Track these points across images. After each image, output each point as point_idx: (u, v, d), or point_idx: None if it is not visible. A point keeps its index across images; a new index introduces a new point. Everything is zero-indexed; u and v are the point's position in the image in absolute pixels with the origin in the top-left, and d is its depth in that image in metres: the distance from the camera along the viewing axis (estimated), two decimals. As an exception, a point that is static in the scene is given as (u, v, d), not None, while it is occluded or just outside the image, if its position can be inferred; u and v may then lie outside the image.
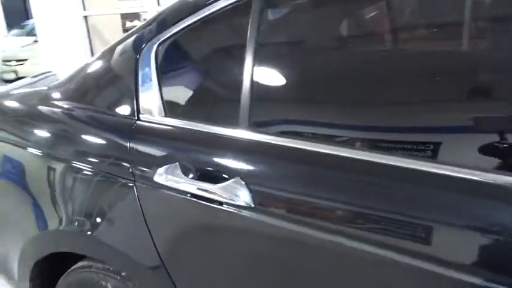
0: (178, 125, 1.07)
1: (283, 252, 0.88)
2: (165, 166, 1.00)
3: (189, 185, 0.97)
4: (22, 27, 10.99)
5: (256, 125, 0.95)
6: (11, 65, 8.59)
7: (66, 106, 1.29)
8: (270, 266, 0.92)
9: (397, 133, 0.82)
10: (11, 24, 12.36)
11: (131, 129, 1.12)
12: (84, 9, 5.13)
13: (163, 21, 1.16)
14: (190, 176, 0.98)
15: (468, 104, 0.77)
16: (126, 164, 1.09)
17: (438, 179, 0.71)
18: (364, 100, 0.86)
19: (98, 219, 1.17)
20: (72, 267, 1.30)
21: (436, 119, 0.78)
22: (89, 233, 1.18)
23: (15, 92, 1.54)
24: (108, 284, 1.19)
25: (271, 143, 0.91)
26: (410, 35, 0.87)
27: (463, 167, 0.70)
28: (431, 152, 0.75)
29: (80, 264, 1.28)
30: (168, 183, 0.99)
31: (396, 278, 0.76)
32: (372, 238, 0.75)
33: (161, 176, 1.00)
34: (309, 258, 0.85)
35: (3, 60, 9.39)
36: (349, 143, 0.85)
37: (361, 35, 0.93)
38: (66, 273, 1.31)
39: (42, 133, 1.31)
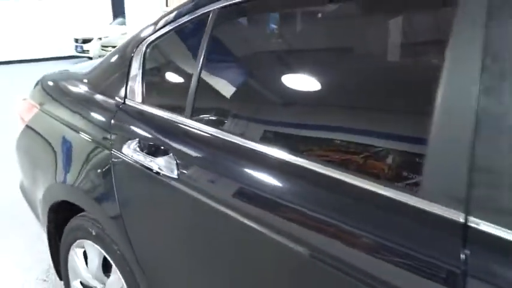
0: (146, 110, 1.36)
1: (196, 216, 1.12)
2: (130, 141, 1.29)
3: (141, 157, 1.24)
4: (124, 16, 12.12)
5: (195, 115, 1.20)
6: (107, 51, 9.61)
7: (85, 89, 1.65)
8: (187, 225, 1.16)
9: (282, 128, 1.02)
10: (117, 13, 13.55)
11: (117, 109, 1.43)
12: (167, 5, 5.66)
13: (154, 26, 1.45)
14: (145, 150, 1.25)
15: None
16: (107, 136, 1.39)
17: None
18: (267, 105, 1.07)
19: (84, 176, 1.50)
20: (74, 217, 1.65)
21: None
22: (78, 185, 1.52)
23: (74, 71, 1.93)
24: (93, 231, 1.52)
25: (200, 130, 1.16)
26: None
27: None
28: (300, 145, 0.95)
29: (79, 214, 1.63)
30: (129, 154, 1.28)
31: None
32: (262, 216, 0.93)
33: (127, 148, 1.30)
34: (213, 224, 1.07)
35: (102, 46, 10.51)
36: (246, 133, 1.06)
37: (276, 51, 1.14)
38: (70, 221, 1.67)
39: (65, 109, 1.67)
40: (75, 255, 1.68)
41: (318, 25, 1.03)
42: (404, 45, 0.85)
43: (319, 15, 1.03)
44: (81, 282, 1.72)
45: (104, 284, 1.60)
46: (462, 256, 0.64)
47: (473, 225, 0.64)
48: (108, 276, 1.57)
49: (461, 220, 0.65)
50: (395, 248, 0.71)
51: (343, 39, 0.97)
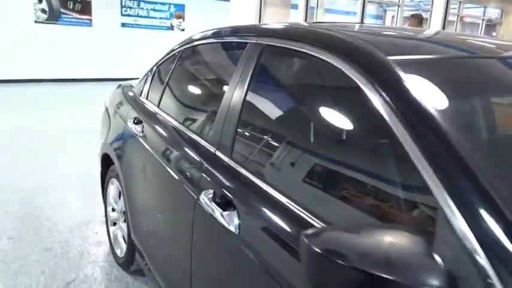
0: (144, 102, 2.21)
1: (149, 165, 1.88)
2: (132, 119, 2.05)
3: (133, 126, 2.00)
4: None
5: (162, 107, 1.96)
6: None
7: (131, 93, 2.53)
8: (148, 172, 1.90)
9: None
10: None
11: (135, 101, 2.27)
12: (260, 21, 6.04)
13: (165, 53, 2.25)
14: (136, 123, 2.01)
15: None
16: (126, 117, 2.18)
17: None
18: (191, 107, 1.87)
19: (115, 142, 2.36)
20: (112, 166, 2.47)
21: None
22: (111, 146, 2.41)
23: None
24: (115, 181, 2.40)
25: (157, 113, 1.96)
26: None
27: None
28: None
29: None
30: (131, 126, 2.03)
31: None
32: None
33: (131, 123, 2.03)
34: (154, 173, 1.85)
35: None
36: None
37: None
38: (110, 167, 2.52)
39: (121, 103, 2.53)
40: (110, 186, 2.55)
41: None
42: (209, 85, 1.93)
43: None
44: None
45: (117, 203, 2.53)
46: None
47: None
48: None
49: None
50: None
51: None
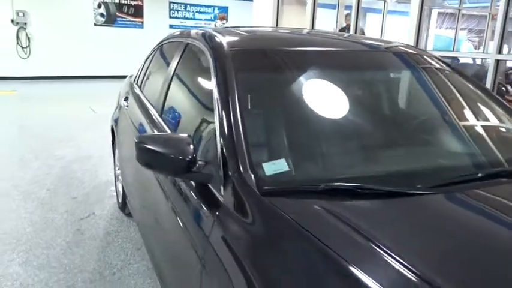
0: (133, 85, 2.86)
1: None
2: (124, 97, 2.74)
3: (123, 103, 2.64)
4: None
5: (142, 87, 2.39)
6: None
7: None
8: (126, 133, 2.57)
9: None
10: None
11: (130, 84, 2.99)
12: (277, 25, 6.82)
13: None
14: (125, 100, 2.72)
15: None
16: (122, 96, 2.83)
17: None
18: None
19: (114, 114, 3.19)
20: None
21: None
22: (114, 119, 3.15)
23: None
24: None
25: (138, 93, 2.41)
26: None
27: None
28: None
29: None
30: (122, 102, 2.71)
31: None
32: None
33: (122, 100, 2.76)
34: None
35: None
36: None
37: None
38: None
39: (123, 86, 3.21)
40: (115, 150, 3.33)
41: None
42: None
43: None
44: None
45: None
46: None
47: None
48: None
49: None
50: None
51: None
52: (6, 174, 4.14)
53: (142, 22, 12.37)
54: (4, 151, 4.95)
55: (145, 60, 3.08)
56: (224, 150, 1.38)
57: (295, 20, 6.74)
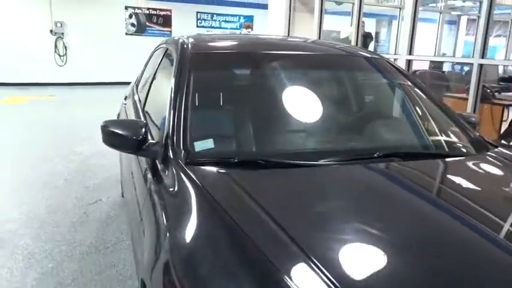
0: (133, 86, 3.23)
1: None
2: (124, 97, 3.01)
3: (123, 101, 2.98)
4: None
5: (138, 87, 2.77)
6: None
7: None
8: None
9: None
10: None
11: (132, 86, 3.31)
12: (289, 34, 7.24)
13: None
14: (124, 99, 3.07)
15: None
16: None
17: None
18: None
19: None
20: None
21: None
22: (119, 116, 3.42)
23: None
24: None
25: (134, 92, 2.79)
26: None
27: None
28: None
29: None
30: (123, 101, 3.09)
31: None
32: None
33: (123, 99, 3.08)
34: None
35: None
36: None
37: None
38: None
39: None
40: None
41: None
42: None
43: None
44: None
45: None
46: None
47: None
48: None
49: None
50: None
51: None
52: (31, 166, 4.68)
53: (170, 31, 12.99)
54: (32, 147, 5.52)
55: (144, 65, 3.49)
56: (168, 133, 1.73)
57: (306, 28, 7.04)
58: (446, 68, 7.77)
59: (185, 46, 2.21)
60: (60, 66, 11.92)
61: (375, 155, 1.69)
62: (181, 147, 1.65)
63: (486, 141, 2.05)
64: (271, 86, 2.06)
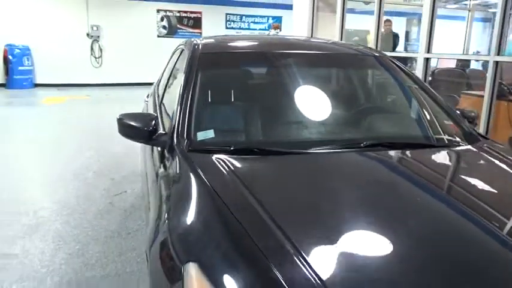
0: (155, 87, 3.39)
1: None
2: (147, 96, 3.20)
3: (145, 98, 3.13)
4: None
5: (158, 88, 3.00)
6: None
7: None
8: None
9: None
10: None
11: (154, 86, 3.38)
12: (312, 34, 7.43)
13: None
14: (147, 96, 3.38)
15: None
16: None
17: None
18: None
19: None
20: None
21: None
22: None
23: None
24: None
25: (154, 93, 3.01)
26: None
27: None
28: None
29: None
30: (145, 99, 3.33)
31: None
32: None
33: (145, 97, 3.23)
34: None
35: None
36: None
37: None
38: None
39: None
40: None
41: None
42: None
43: None
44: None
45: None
46: None
47: None
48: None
49: None
50: None
51: None
52: (64, 160, 5.03)
53: (200, 33, 13.33)
54: (66, 143, 5.90)
55: (165, 65, 3.71)
56: (175, 125, 1.94)
57: (330, 27, 7.15)
58: (475, 66, 7.66)
59: (196, 47, 2.41)
60: (95, 67, 12.47)
61: (362, 145, 1.83)
62: (185, 137, 1.85)
63: (478, 134, 2.14)
64: (269, 82, 2.24)
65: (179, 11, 13.17)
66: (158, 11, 12.98)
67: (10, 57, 11.27)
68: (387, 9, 10.13)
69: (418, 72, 4.87)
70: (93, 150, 5.45)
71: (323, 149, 1.80)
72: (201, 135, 1.89)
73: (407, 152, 1.86)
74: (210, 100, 2.14)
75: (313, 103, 2.12)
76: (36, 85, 11.75)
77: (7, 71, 11.34)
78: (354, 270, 1.15)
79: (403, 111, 2.31)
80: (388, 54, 2.72)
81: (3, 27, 11.29)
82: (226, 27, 13.69)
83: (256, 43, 2.74)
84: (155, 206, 1.70)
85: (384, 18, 8.38)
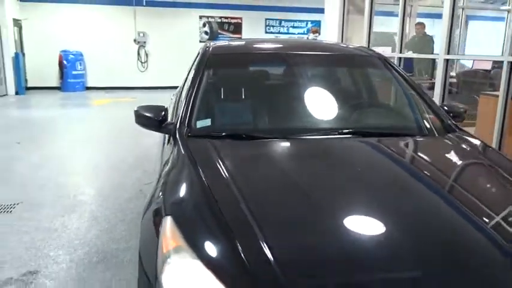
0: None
1: None
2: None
3: (171, 97, 3.45)
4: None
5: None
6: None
7: None
8: None
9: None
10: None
11: None
12: (342, 40, 7.72)
13: None
14: (173, 95, 3.48)
15: None
16: None
17: None
18: None
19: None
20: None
21: None
22: None
23: None
24: None
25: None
26: None
27: None
28: None
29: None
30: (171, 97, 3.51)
31: None
32: None
33: (172, 96, 3.54)
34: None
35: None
36: None
37: None
38: None
39: None
40: None
41: None
42: None
43: None
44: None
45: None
46: None
47: None
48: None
49: None
50: None
51: None
52: (105, 153, 5.57)
53: (240, 37, 13.79)
54: (107, 139, 6.47)
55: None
56: (180, 115, 2.28)
57: (359, 30, 7.31)
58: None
59: (207, 49, 2.75)
60: (141, 71, 13.24)
61: (337, 133, 2.09)
62: (186, 125, 2.19)
63: (456, 126, 2.33)
64: (264, 79, 2.55)
65: (220, 17, 13.71)
66: (201, 17, 13.58)
67: (65, 62, 12.23)
68: (426, 11, 10.11)
69: (440, 73, 4.96)
70: (130, 144, 5.96)
71: (300, 136, 2.08)
72: (200, 124, 2.22)
73: (378, 139, 2.09)
74: (211, 95, 2.47)
75: (298, 98, 2.40)
76: (87, 88, 12.66)
77: (62, 75, 12.30)
78: (311, 250, 1.33)
79: (387, 106, 2.54)
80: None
81: (59, 34, 12.28)
82: (266, 32, 14.07)
83: (260, 45, 3.05)
84: (155, 182, 2.04)
85: (417, 20, 8.42)
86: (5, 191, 4.14)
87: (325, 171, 1.79)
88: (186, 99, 2.34)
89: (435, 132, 2.23)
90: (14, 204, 3.79)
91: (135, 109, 2.42)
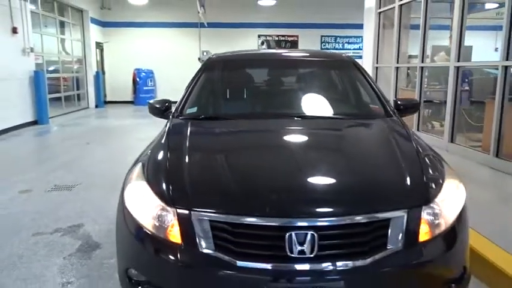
0: None
1: None
2: None
3: None
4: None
5: None
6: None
7: None
8: None
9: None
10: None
11: None
12: (377, 62, 8.30)
13: None
14: None
15: None
16: None
17: None
18: None
19: None
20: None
21: None
22: None
23: None
24: None
25: None
26: None
27: None
28: None
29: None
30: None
31: None
32: None
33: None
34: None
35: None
36: None
37: None
38: None
39: None
40: None
41: None
42: None
43: None
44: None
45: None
46: None
47: None
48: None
49: None
50: None
51: None
52: (127, 150, 6.51)
53: (296, 54, 14.53)
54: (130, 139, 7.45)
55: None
56: (177, 105, 3.06)
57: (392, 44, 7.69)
58: None
59: (209, 57, 3.51)
60: (204, 87, 14.44)
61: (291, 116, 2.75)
62: (178, 111, 2.95)
63: (393, 113, 2.84)
64: (246, 78, 3.28)
65: (278, 35, 14.58)
66: (259, 36, 14.55)
67: (138, 79, 13.81)
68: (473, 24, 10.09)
69: (452, 80, 5.25)
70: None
71: (259, 118, 2.77)
72: (189, 111, 2.97)
73: (327, 120, 2.74)
74: (203, 90, 3.21)
75: (269, 92, 3.11)
76: (157, 102, 14.08)
77: (135, 91, 13.87)
78: (216, 177, 2.03)
79: (346, 96, 3.15)
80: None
81: (133, 55, 13.91)
82: (321, 48, 14.67)
83: (249, 54, 3.76)
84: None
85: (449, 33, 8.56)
86: (70, 177, 5.19)
87: (265, 137, 2.46)
88: (184, 93, 3.10)
89: (378, 116, 2.77)
90: (75, 185, 4.80)
91: (149, 102, 3.22)
